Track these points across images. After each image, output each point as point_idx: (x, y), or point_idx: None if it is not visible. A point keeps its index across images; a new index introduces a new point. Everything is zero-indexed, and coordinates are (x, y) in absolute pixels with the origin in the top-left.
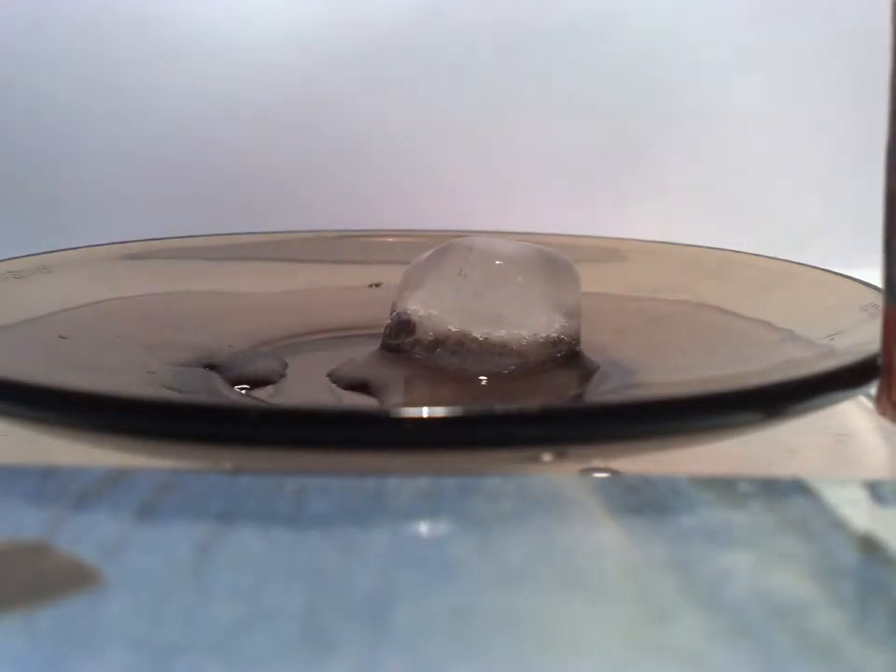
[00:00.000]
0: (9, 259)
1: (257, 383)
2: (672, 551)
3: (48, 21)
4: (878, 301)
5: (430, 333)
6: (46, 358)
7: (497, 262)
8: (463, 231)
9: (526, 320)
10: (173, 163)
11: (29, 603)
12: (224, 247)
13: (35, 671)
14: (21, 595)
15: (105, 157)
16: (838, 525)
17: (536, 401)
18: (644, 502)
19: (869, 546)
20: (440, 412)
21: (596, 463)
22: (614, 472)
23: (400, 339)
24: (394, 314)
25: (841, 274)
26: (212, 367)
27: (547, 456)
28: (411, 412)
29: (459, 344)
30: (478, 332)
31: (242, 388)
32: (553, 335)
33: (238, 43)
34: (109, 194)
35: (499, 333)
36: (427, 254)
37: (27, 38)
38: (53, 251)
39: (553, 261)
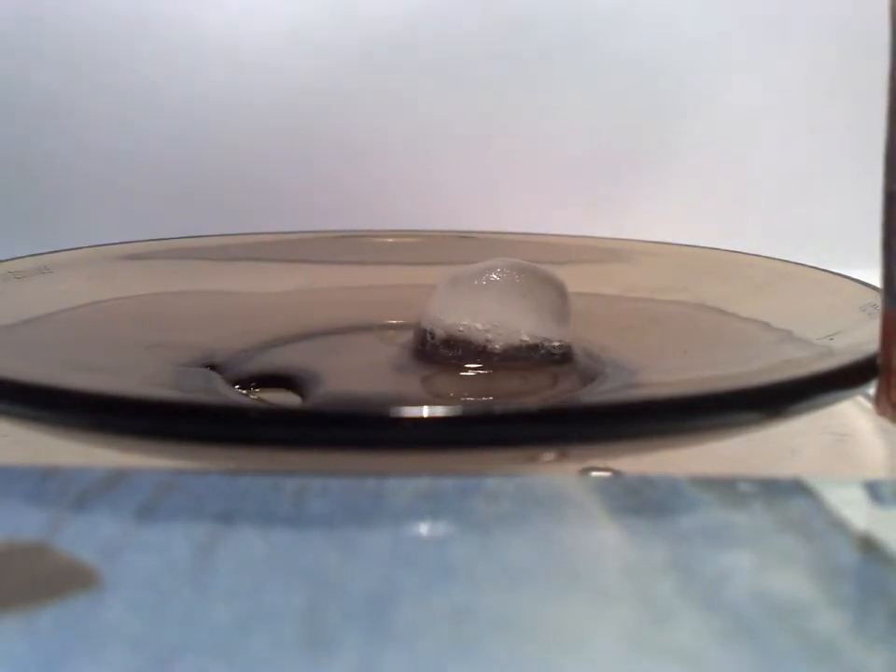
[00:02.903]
0: (10, 259)
1: (257, 383)
2: (672, 551)
3: (48, 22)
4: (877, 301)
5: (479, 342)
6: (46, 358)
7: (527, 280)
8: (463, 232)
9: (557, 329)
10: (173, 164)
11: (29, 603)
12: (224, 247)
13: (35, 671)
14: (21, 596)
15: (106, 157)
16: (838, 525)
17: (554, 399)
18: (644, 502)
19: (869, 546)
20: (439, 411)
21: (596, 463)
22: (614, 472)
23: (440, 347)
24: (429, 324)
25: (840, 274)
26: (212, 367)
27: (547, 456)
28: (410, 411)
29: (514, 350)
30: (528, 338)
31: (242, 389)
32: (570, 341)
33: (239, 43)
34: (110, 195)
35: (540, 340)
36: (460, 272)
37: (28, 38)
38: (54, 251)
39: (556, 278)
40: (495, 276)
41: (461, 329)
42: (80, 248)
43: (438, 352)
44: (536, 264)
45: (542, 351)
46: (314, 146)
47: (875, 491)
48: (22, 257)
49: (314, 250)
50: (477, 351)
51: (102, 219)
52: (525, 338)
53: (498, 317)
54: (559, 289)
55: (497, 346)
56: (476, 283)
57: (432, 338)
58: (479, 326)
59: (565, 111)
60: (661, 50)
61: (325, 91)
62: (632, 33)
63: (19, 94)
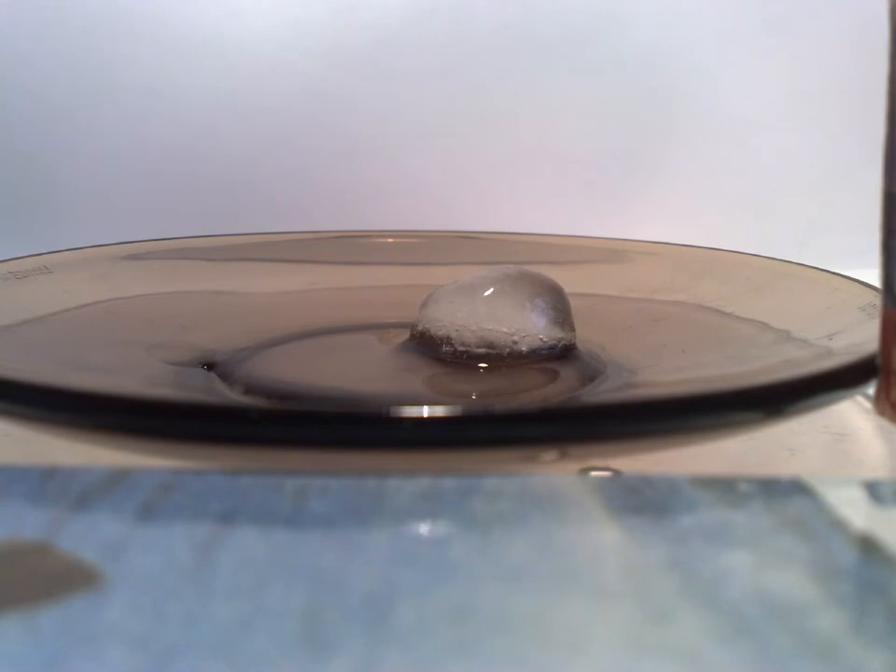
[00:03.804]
0: (11, 259)
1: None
2: (671, 551)
3: (48, 23)
4: (877, 300)
5: (505, 344)
6: (46, 358)
7: (534, 285)
8: (463, 232)
9: (563, 330)
10: (173, 164)
11: (30, 603)
12: (224, 248)
13: (36, 671)
14: (22, 596)
15: (106, 157)
16: (837, 524)
17: (555, 399)
18: (644, 502)
19: (868, 546)
20: (439, 411)
21: (596, 462)
22: (614, 472)
23: (458, 350)
24: (444, 328)
25: (839, 274)
26: (212, 367)
27: (547, 456)
28: (410, 411)
29: (534, 352)
30: (547, 339)
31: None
32: (574, 341)
33: (239, 44)
34: (110, 195)
35: (551, 341)
36: (468, 279)
37: (28, 39)
38: (54, 252)
39: (557, 284)
40: (506, 282)
41: (487, 332)
42: (80, 248)
43: (445, 353)
44: (535, 270)
45: (556, 351)
46: (314, 145)
47: (874, 491)
48: (23, 257)
49: (314, 250)
50: (501, 353)
51: (102, 220)
52: (545, 339)
53: (519, 321)
54: (561, 294)
55: (522, 348)
56: (493, 289)
57: (452, 342)
58: (504, 329)
59: (565, 112)
60: (662, 51)
61: (325, 91)
62: (633, 33)
63: (17, 95)
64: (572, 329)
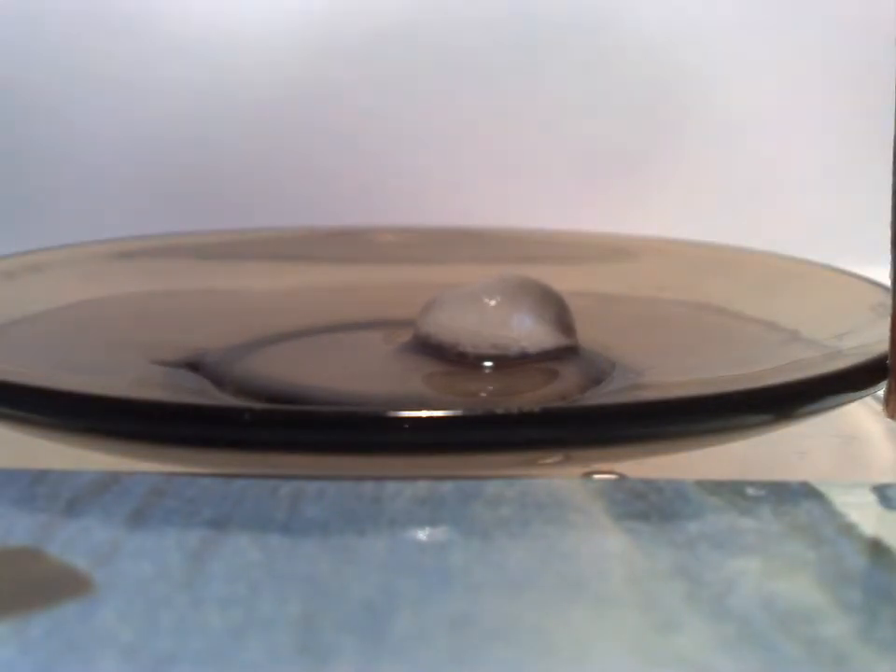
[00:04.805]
0: (0, 257)
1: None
2: (678, 557)
3: (41, 17)
4: (887, 300)
5: (515, 349)
6: (36, 359)
7: (537, 292)
8: (466, 228)
9: (567, 334)
10: (164, 159)
11: (20, 610)
12: (219, 245)
13: None
14: (12, 602)
15: (99, 154)
16: (847, 529)
17: (558, 401)
18: (649, 507)
19: (878, 551)
20: (439, 412)
21: (601, 466)
22: (619, 476)
23: (471, 355)
24: (454, 335)
25: (850, 273)
26: (205, 367)
27: (550, 459)
28: (409, 412)
29: (543, 355)
30: (553, 343)
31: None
32: (577, 344)
33: (236, 40)
34: (100, 191)
35: (556, 344)
36: (472, 287)
37: (19, 34)
38: (45, 249)
39: (556, 291)
40: (510, 288)
41: (493, 336)
42: (72, 246)
43: (451, 355)
44: (537, 275)
45: (560, 353)
46: (312, 142)
47: (884, 495)
48: (13, 256)
49: (311, 247)
50: (507, 356)
51: (94, 217)
52: (549, 342)
53: (525, 325)
54: (562, 300)
55: (528, 351)
56: (499, 294)
57: (459, 344)
58: (510, 333)
59: (568, 104)
60: (667, 43)
61: (324, 86)
62: (637, 24)
63: (11, 91)
64: (574, 333)
